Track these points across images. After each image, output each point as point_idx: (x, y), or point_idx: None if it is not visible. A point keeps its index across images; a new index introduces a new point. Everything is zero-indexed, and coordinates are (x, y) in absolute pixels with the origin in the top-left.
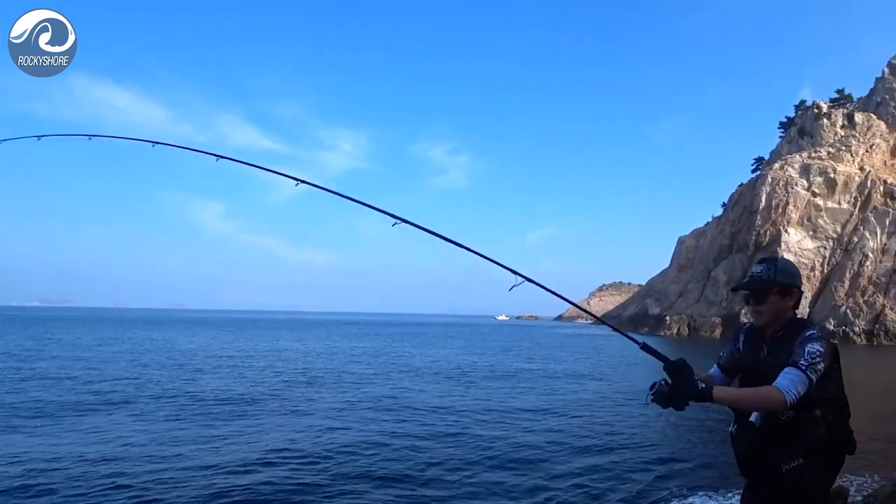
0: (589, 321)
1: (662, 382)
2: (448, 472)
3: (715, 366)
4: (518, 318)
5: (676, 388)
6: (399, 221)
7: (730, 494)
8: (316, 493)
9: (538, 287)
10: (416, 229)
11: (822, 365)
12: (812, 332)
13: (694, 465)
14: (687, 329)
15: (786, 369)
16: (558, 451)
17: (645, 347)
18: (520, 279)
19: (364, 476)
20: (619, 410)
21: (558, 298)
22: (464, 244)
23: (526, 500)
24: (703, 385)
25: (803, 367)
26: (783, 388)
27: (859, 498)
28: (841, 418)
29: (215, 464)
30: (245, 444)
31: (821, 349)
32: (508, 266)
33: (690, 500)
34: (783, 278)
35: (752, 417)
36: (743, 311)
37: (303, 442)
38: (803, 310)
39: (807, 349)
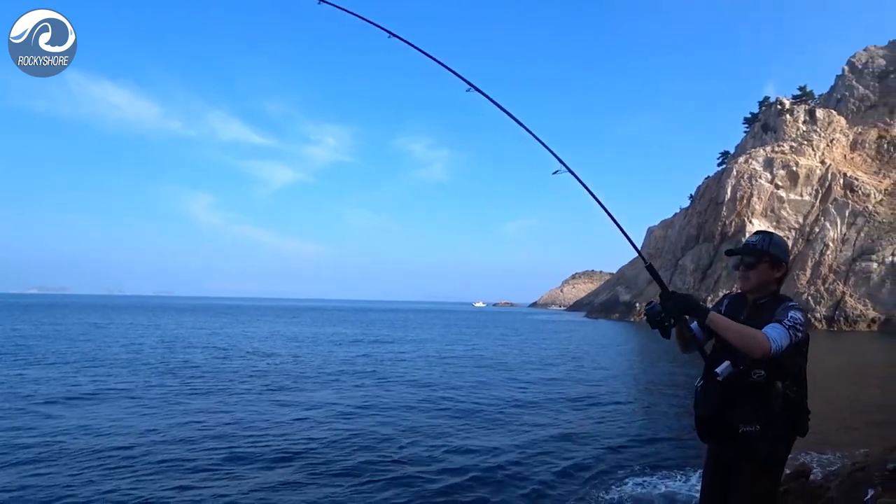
0: (562, 308)
1: (656, 302)
2: (423, 439)
3: (695, 322)
4: (494, 304)
5: (665, 301)
6: (472, 88)
7: (690, 475)
8: (297, 462)
9: (576, 180)
10: (489, 102)
11: (802, 333)
12: (794, 303)
13: (658, 448)
14: (659, 331)
15: (771, 324)
16: (528, 431)
17: (650, 270)
18: (563, 168)
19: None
20: (590, 391)
21: (593, 201)
22: (524, 123)
23: (489, 474)
24: (704, 305)
25: (787, 326)
26: (770, 336)
27: (820, 476)
28: (799, 395)
29: (201, 437)
30: (233, 422)
31: (802, 318)
32: (555, 152)
33: (648, 478)
34: (775, 250)
35: (720, 371)
36: (710, 297)
37: (286, 417)
38: None
39: (790, 314)
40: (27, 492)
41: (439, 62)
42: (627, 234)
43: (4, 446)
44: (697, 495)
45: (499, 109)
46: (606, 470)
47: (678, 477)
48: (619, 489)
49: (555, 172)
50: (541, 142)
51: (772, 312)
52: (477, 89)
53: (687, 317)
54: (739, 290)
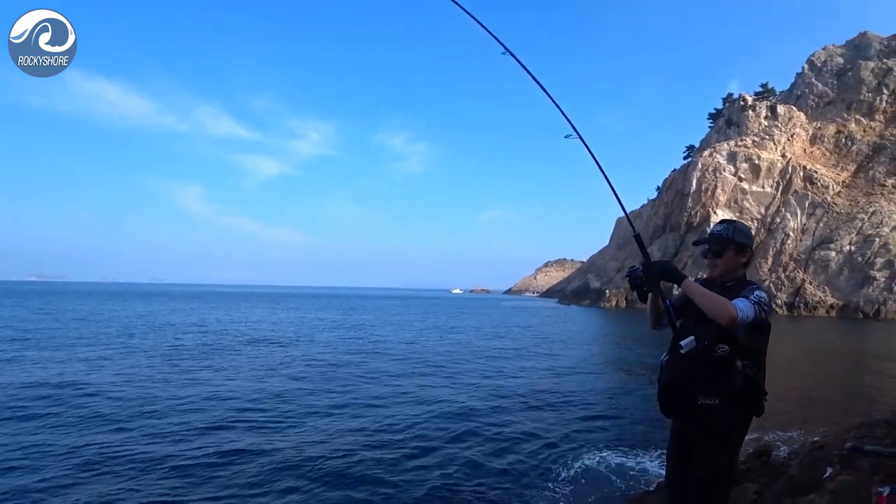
0: (536, 294)
1: (639, 268)
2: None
3: (668, 301)
4: (471, 291)
5: (647, 275)
6: (506, 52)
7: (651, 453)
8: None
9: (583, 145)
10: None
11: (766, 311)
12: (759, 286)
13: (622, 425)
14: (625, 301)
15: (738, 298)
16: (495, 408)
17: (637, 238)
18: (574, 134)
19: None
20: (559, 372)
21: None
22: (546, 89)
23: (455, 445)
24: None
25: (753, 301)
26: (737, 306)
27: (782, 454)
28: (758, 376)
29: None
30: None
31: (766, 298)
32: (569, 118)
33: (603, 454)
34: (739, 237)
35: (684, 344)
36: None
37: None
38: None
39: (755, 293)
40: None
41: (477, 20)
42: (624, 206)
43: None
44: (657, 471)
45: (527, 75)
46: (573, 446)
47: (640, 454)
48: (581, 463)
49: (567, 136)
50: (558, 106)
51: (738, 293)
52: (511, 53)
53: (662, 287)
54: (707, 277)
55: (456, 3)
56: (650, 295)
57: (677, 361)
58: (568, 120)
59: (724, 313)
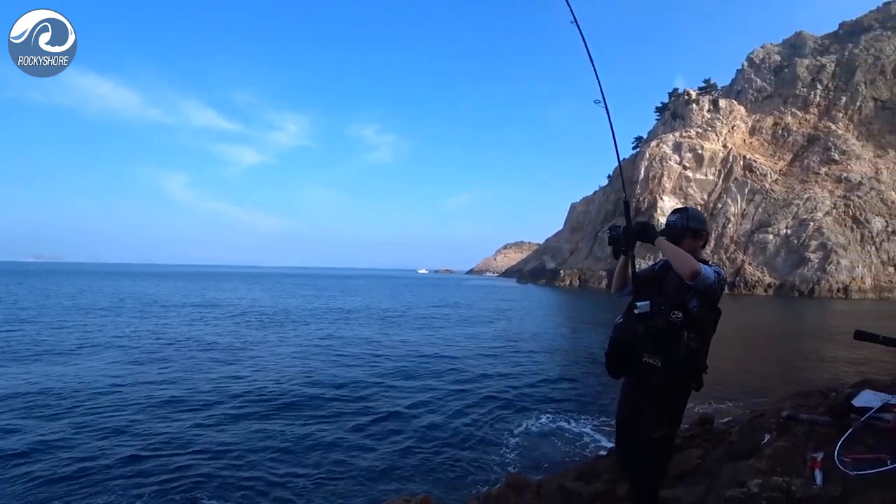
0: (496, 274)
1: (621, 227)
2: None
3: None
4: (436, 271)
5: (626, 236)
6: (574, 22)
7: (589, 419)
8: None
9: (606, 116)
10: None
11: (722, 283)
12: (717, 265)
13: (569, 394)
14: (578, 281)
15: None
16: (452, 377)
17: (625, 204)
18: (601, 101)
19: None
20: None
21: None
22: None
23: (410, 410)
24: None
25: (714, 269)
26: (701, 266)
27: (723, 422)
28: (700, 351)
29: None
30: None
31: (724, 273)
32: (601, 83)
33: (553, 419)
34: (694, 224)
35: (639, 306)
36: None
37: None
38: None
39: (714, 266)
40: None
41: None
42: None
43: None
44: (600, 435)
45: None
46: (524, 411)
47: (585, 419)
48: (530, 427)
49: (596, 102)
50: (595, 71)
51: None
52: (577, 25)
53: (637, 245)
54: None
55: None
56: (622, 259)
57: (630, 321)
58: (600, 85)
59: (689, 267)
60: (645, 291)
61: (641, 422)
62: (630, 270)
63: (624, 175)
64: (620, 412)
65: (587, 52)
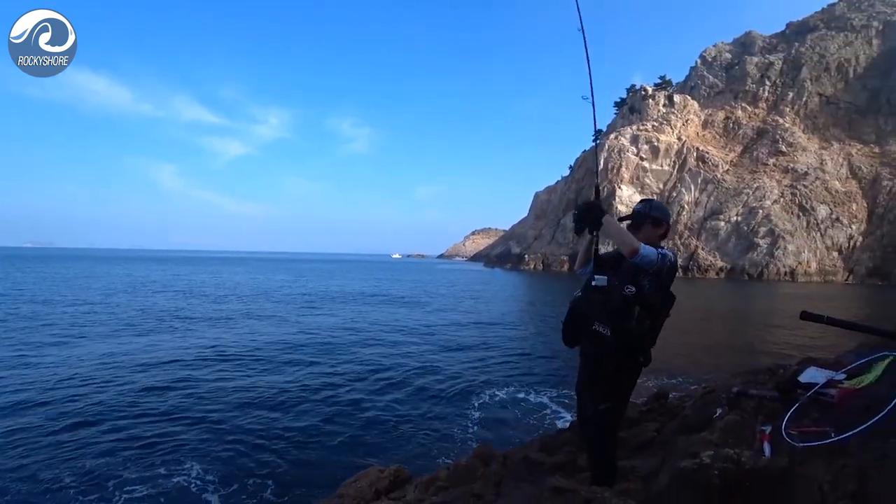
0: (465, 258)
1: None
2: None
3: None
4: (409, 256)
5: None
6: (581, 29)
7: (549, 392)
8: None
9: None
10: None
11: (667, 264)
12: (671, 249)
13: (530, 369)
14: (541, 265)
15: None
16: (420, 351)
17: (596, 189)
18: (588, 96)
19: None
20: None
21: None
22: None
23: (379, 387)
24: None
25: (659, 251)
26: (641, 245)
27: (677, 398)
28: (650, 328)
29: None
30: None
31: (672, 256)
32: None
33: (512, 389)
34: (656, 213)
35: (596, 279)
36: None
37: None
38: None
39: (662, 249)
40: None
41: None
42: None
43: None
44: (557, 406)
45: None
46: (489, 381)
47: (544, 392)
48: (492, 398)
49: (584, 98)
50: (589, 66)
51: None
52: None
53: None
54: None
55: None
56: (588, 238)
57: (587, 293)
58: (590, 81)
59: (629, 244)
60: (604, 269)
61: (591, 393)
62: (594, 249)
63: (585, 165)
64: (577, 384)
65: (587, 58)
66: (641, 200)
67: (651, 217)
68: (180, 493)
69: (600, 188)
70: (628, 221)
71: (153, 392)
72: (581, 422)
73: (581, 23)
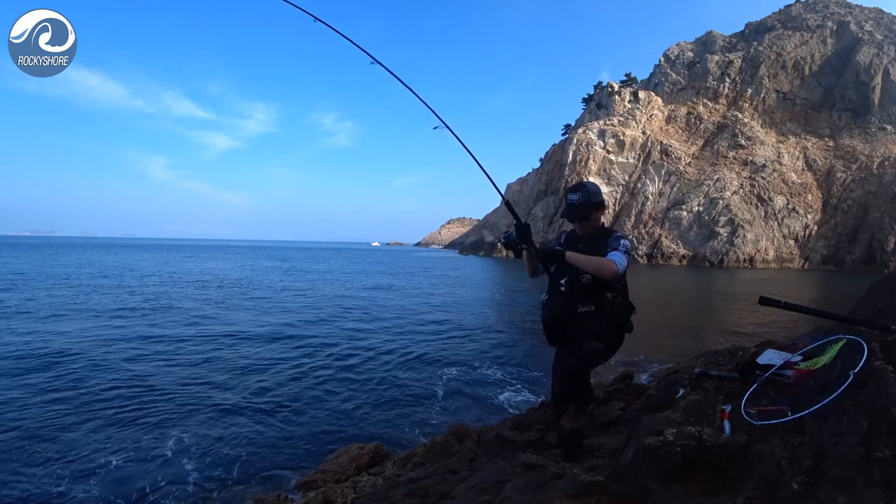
0: (440, 246)
1: (512, 232)
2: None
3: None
4: (387, 244)
5: (520, 237)
6: (375, 62)
7: (518, 372)
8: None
9: (452, 135)
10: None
11: (631, 256)
12: (620, 233)
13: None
14: (513, 253)
15: (612, 252)
16: (398, 336)
17: (507, 205)
18: (441, 125)
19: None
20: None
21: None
22: (413, 89)
23: (357, 366)
24: (559, 248)
25: (622, 251)
26: (616, 262)
27: (643, 378)
28: (625, 303)
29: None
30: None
31: (630, 244)
32: (436, 111)
33: (485, 369)
34: (596, 198)
35: (563, 282)
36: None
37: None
38: None
39: (621, 242)
40: None
41: (350, 40)
42: (491, 177)
43: None
44: (525, 384)
45: (397, 80)
46: (462, 361)
47: (515, 372)
48: (466, 378)
49: (435, 128)
50: (424, 102)
51: (605, 241)
52: (379, 63)
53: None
54: (578, 232)
55: (322, 21)
56: (525, 252)
57: (558, 297)
58: (436, 114)
59: (607, 272)
60: (560, 267)
61: (571, 352)
62: (536, 258)
63: (555, 158)
64: (560, 363)
65: (404, 84)
66: (573, 188)
67: (594, 203)
68: (160, 467)
69: (569, 180)
70: (570, 210)
71: (138, 367)
72: (562, 373)
73: (371, 56)
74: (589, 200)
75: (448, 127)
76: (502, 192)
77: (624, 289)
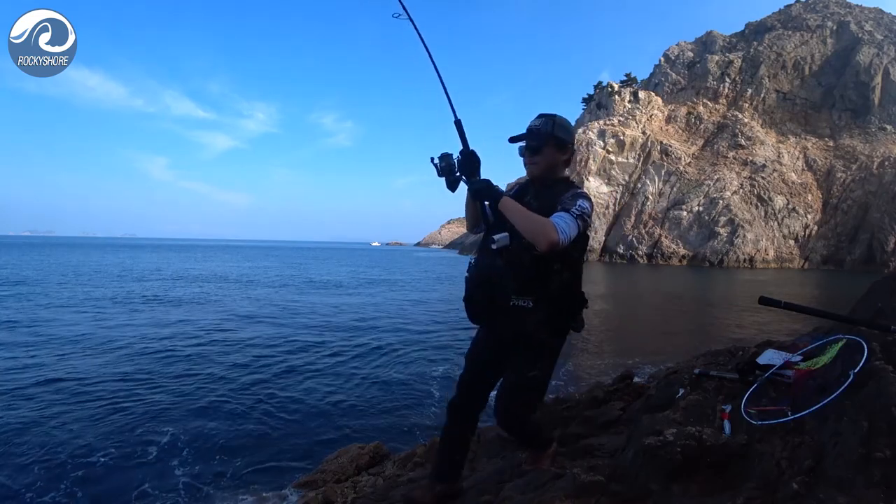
0: (440, 246)
1: (457, 158)
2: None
3: (486, 204)
4: (387, 244)
5: (463, 165)
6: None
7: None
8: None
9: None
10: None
11: (588, 222)
12: (582, 190)
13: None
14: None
15: (558, 212)
16: (396, 335)
17: (458, 126)
18: (403, 14)
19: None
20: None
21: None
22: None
23: (352, 356)
24: (498, 187)
25: (574, 215)
26: (558, 227)
27: (643, 378)
28: (574, 283)
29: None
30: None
31: (589, 208)
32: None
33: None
34: (560, 132)
35: (496, 239)
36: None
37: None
38: (600, 238)
39: (578, 202)
40: None
41: None
42: (450, 95)
43: None
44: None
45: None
46: (460, 360)
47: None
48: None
49: (395, 15)
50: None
51: (559, 196)
52: (406, 11)
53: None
54: (526, 178)
55: None
56: (466, 191)
57: (488, 258)
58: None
59: (542, 237)
60: (503, 220)
61: (512, 363)
62: (479, 207)
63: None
64: (481, 348)
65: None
66: (540, 115)
67: (555, 137)
68: (156, 467)
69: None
70: (521, 144)
71: (135, 364)
72: (483, 389)
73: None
74: (550, 131)
75: (410, 17)
76: (452, 103)
77: (575, 262)
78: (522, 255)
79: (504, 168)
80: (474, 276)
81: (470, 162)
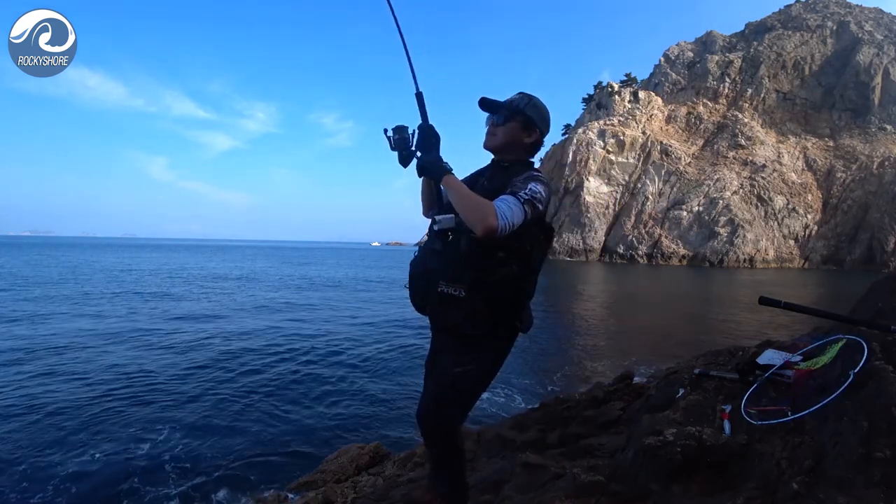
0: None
1: (413, 133)
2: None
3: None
4: (387, 244)
5: (421, 141)
6: None
7: (516, 371)
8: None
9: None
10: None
11: (539, 208)
12: (541, 174)
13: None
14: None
15: (504, 195)
16: (393, 336)
17: (419, 99)
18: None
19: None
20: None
21: None
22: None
23: (351, 356)
24: (447, 164)
25: (522, 199)
26: (499, 211)
27: (643, 378)
28: (522, 278)
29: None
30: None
31: (543, 192)
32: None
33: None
34: (531, 111)
35: (439, 219)
36: (555, 240)
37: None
38: (600, 238)
39: (530, 185)
40: None
41: None
42: (412, 62)
43: None
44: (524, 381)
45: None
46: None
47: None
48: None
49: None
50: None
51: (514, 177)
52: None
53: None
54: (484, 147)
55: None
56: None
57: (431, 242)
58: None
59: (480, 222)
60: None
61: (444, 357)
62: (434, 188)
63: (555, 158)
64: (429, 353)
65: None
66: (520, 92)
67: (524, 115)
68: (154, 466)
69: (569, 180)
70: (489, 113)
71: (134, 363)
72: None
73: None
74: (520, 107)
75: None
76: (418, 86)
77: (526, 254)
78: (461, 240)
79: None
80: (415, 260)
81: (426, 137)
